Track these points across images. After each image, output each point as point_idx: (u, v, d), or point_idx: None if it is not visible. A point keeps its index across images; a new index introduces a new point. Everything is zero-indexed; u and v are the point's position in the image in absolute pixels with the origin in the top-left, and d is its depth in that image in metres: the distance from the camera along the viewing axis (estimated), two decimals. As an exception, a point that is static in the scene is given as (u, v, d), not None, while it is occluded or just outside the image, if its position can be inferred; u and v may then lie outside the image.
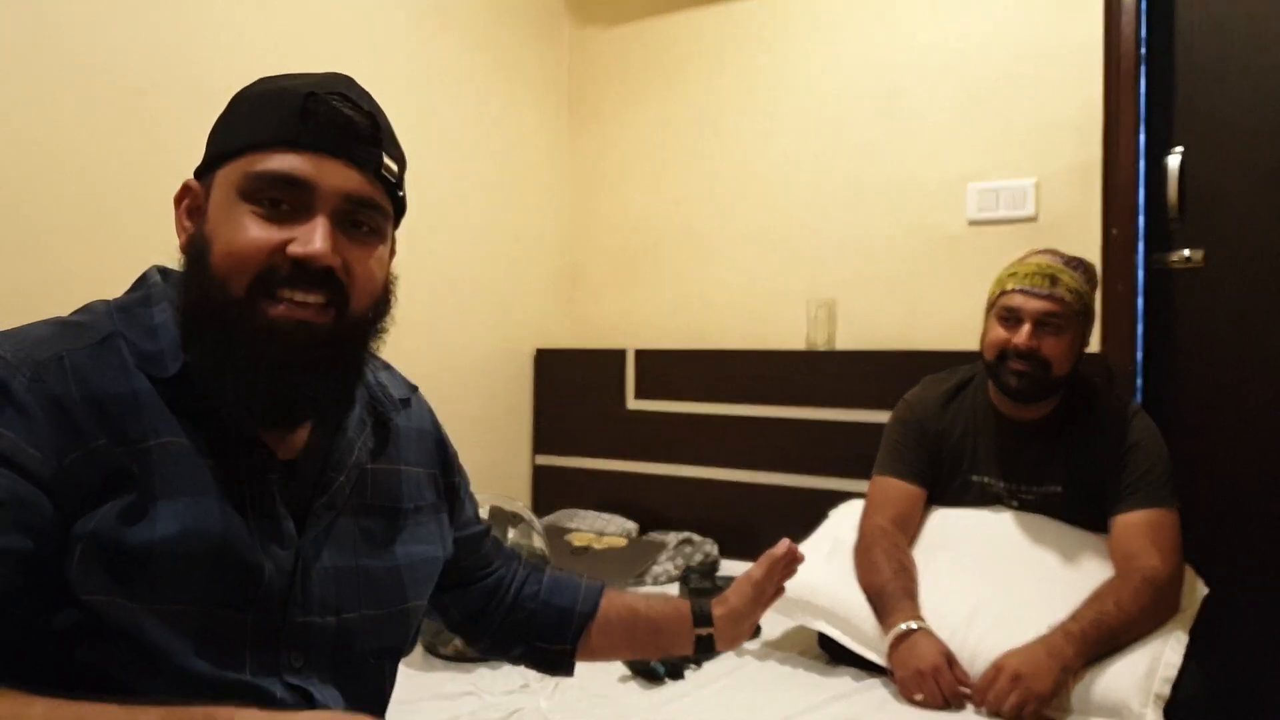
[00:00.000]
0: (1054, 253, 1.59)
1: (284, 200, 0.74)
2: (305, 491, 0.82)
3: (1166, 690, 1.31)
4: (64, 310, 1.60)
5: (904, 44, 2.25)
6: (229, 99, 0.82)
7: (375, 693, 0.87)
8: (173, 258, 1.66)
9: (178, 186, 1.89)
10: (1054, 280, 1.52)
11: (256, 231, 0.74)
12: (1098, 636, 1.35)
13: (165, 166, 1.68)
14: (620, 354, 2.54)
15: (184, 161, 1.78)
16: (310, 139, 0.75)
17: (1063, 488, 1.60)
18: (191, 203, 0.79)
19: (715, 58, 2.52)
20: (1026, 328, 1.52)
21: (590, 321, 2.76)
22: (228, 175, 0.76)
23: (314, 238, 0.73)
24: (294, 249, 0.73)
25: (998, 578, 1.50)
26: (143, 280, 0.84)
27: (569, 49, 2.78)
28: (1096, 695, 1.30)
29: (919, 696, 1.35)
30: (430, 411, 1.02)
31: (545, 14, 2.70)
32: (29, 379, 0.69)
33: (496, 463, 2.55)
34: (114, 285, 1.57)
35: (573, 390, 2.61)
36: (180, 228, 0.79)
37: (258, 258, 0.73)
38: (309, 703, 0.78)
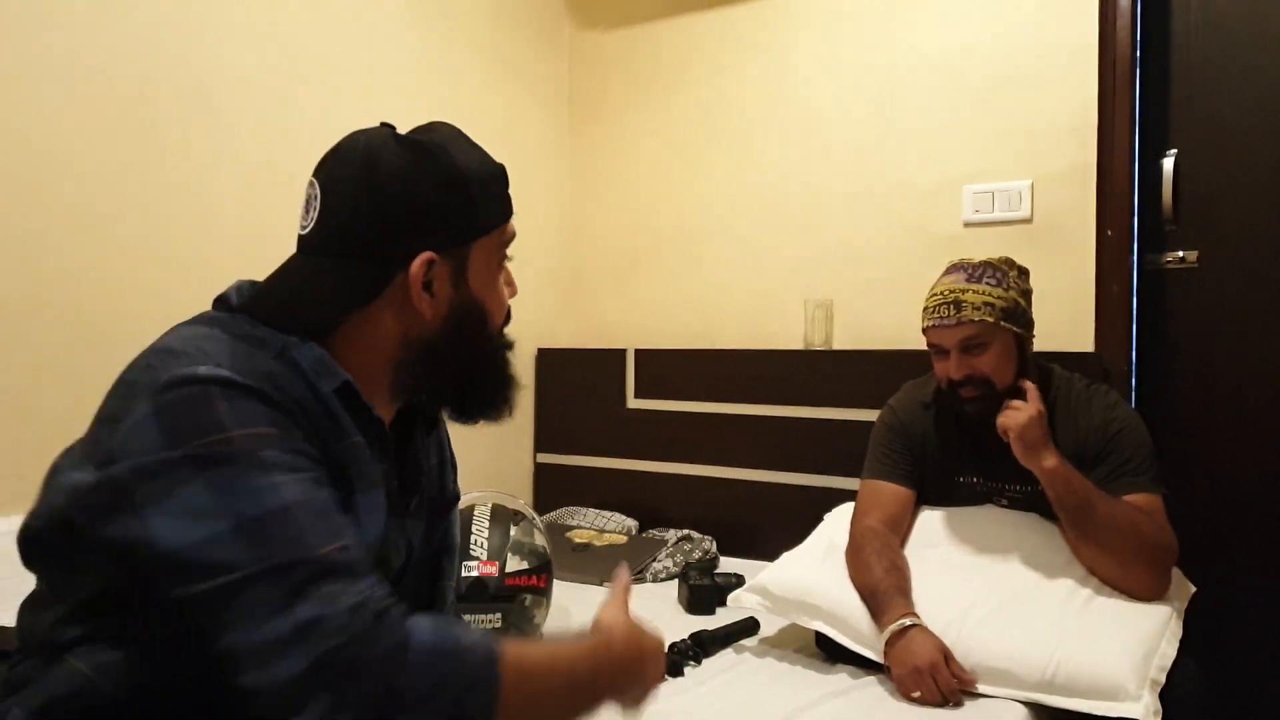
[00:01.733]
0: (960, 266, 1.60)
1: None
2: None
3: (1162, 677, 1.32)
4: (63, 309, 1.62)
5: (900, 47, 2.27)
6: (436, 167, 0.87)
7: None
8: (175, 255, 1.67)
9: (178, 186, 1.90)
10: (958, 305, 1.54)
11: (504, 293, 0.94)
12: (1083, 487, 1.44)
13: (165, 167, 1.69)
14: (620, 354, 2.56)
15: (184, 162, 1.81)
16: None
17: None
18: (432, 275, 0.86)
19: (714, 61, 2.54)
20: (952, 358, 1.56)
21: (591, 322, 2.78)
22: (486, 249, 0.90)
23: (514, 281, 0.95)
24: (512, 296, 0.94)
25: (989, 575, 1.52)
26: (224, 302, 0.87)
27: (569, 52, 2.79)
28: (1093, 676, 1.31)
29: (916, 694, 1.36)
30: None
31: (546, 17, 2.71)
32: (272, 388, 0.74)
33: (498, 461, 2.57)
34: (113, 284, 1.60)
35: (573, 389, 2.63)
36: (419, 295, 0.86)
37: (507, 307, 0.95)
38: None
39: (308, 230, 0.87)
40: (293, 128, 1.92)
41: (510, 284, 0.95)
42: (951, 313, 1.54)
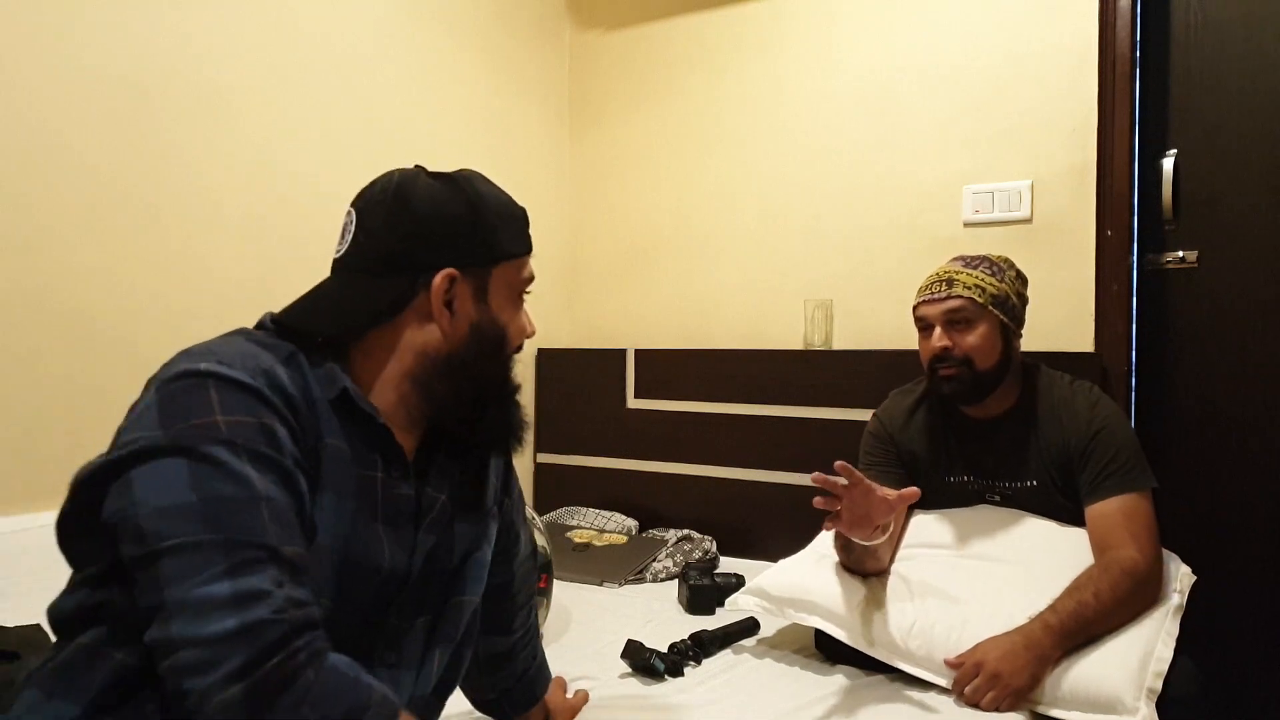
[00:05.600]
0: (959, 258, 1.67)
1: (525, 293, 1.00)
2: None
3: (1158, 685, 1.32)
4: (63, 309, 1.64)
5: (901, 47, 2.27)
6: (464, 196, 0.94)
7: (431, 677, 0.97)
8: (176, 255, 1.68)
9: (179, 186, 1.91)
10: (950, 282, 1.60)
11: (525, 320, 0.98)
12: (1075, 628, 1.37)
13: (166, 167, 1.70)
14: (620, 354, 2.57)
15: (185, 162, 1.81)
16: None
17: (1036, 481, 1.62)
18: (454, 292, 0.91)
19: (714, 61, 2.54)
20: (937, 331, 1.60)
21: (591, 322, 2.78)
22: (503, 276, 0.94)
23: (533, 323, 1.00)
24: (530, 330, 0.99)
25: (988, 578, 1.52)
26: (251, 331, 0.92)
27: (570, 53, 2.79)
28: (1089, 689, 1.31)
29: None
30: None
31: (546, 18, 2.72)
32: (266, 383, 0.79)
33: (498, 461, 2.57)
34: (113, 285, 1.61)
35: (574, 389, 2.63)
36: (440, 311, 0.90)
37: (524, 337, 0.98)
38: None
39: (341, 253, 0.93)
40: (293, 128, 1.93)
41: (529, 324, 0.99)
42: (942, 289, 1.60)
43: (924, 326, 1.64)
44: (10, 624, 1.15)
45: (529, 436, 1.00)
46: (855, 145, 2.33)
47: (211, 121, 1.77)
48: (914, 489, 1.38)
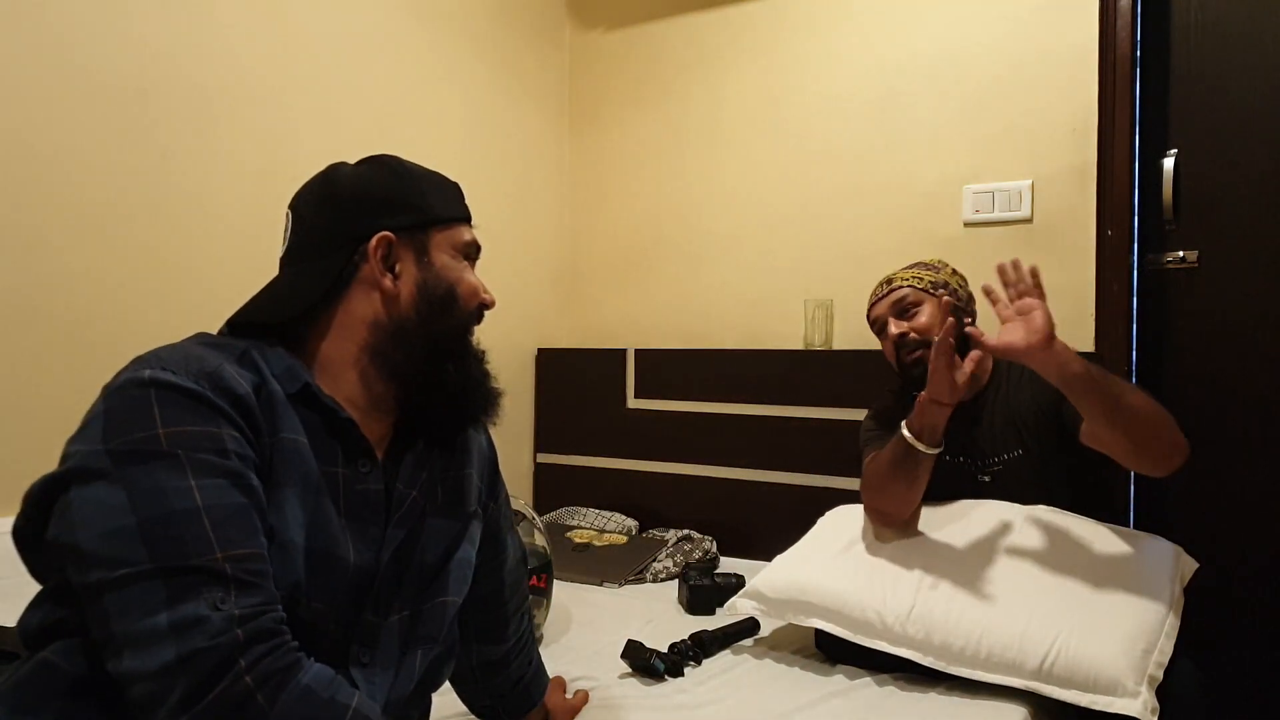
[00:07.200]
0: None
1: (473, 260, 1.00)
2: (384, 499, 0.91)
3: (1160, 674, 1.32)
4: (62, 311, 1.64)
5: (901, 47, 2.27)
6: (387, 169, 0.96)
7: (412, 678, 0.95)
8: (174, 258, 1.68)
9: (178, 188, 1.91)
10: (889, 282, 1.75)
11: (475, 281, 0.98)
12: (1102, 378, 1.42)
13: (165, 169, 1.70)
14: (620, 354, 2.57)
15: (184, 163, 1.81)
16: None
17: (1022, 450, 1.63)
18: (394, 256, 0.92)
19: (714, 62, 2.54)
20: (891, 322, 1.71)
21: (591, 322, 2.78)
22: (446, 238, 0.96)
23: (487, 289, 0.99)
24: (486, 297, 0.98)
25: (992, 564, 1.51)
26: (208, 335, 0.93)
27: (570, 53, 2.79)
28: (1090, 670, 1.31)
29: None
30: (488, 433, 1.13)
31: (546, 18, 2.72)
32: (210, 386, 0.78)
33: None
34: (112, 286, 1.61)
35: (574, 389, 2.63)
36: (382, 273, 0.91)
37: (478, 299, 0.97)
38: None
39: (284, 250, 0.95)
40: (293, 129, 1.93)
41: (486, 292, 0.98)
42: (884, 289, 1.75)
43: (880, 328, 1.75)
44: (10, 624, 1.15)
45: (502, 406, 0.99)
46: (855, 145, 2.33)
47: (211, 123, 1.77)
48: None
